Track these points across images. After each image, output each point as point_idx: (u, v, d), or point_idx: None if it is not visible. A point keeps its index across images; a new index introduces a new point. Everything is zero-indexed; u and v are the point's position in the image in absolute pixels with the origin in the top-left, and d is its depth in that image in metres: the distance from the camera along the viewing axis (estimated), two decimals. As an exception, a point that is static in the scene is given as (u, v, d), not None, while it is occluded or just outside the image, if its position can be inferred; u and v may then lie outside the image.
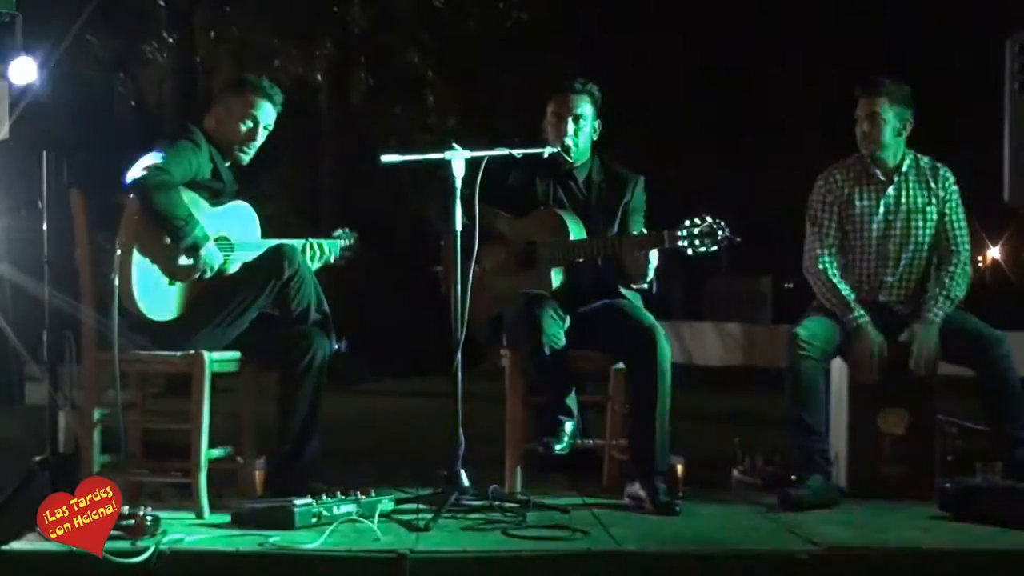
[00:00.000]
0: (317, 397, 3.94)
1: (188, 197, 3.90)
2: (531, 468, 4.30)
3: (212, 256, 3.91)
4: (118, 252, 3.79)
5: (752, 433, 4.81)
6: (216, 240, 3.95)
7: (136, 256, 3.81)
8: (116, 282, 3.77)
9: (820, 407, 4.16)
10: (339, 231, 4.35)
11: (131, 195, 3.81)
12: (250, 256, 4.04)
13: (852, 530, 3.61)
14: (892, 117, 4.29)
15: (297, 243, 4.14)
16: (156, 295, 3.86)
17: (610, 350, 4.25)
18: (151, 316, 3.84)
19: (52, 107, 4.46)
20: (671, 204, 4.42)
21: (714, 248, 3.92)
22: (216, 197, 4.04)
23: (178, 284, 3.91)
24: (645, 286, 4.16)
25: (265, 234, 4.17)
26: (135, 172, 3.81)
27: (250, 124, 4.10)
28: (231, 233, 4.04)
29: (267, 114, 4.13)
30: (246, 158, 4.14)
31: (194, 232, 3.83)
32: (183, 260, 3.88)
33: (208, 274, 3.91)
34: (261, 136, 4.14)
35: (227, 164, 4.11)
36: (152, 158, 3.84)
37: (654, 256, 4.07)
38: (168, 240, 3.84)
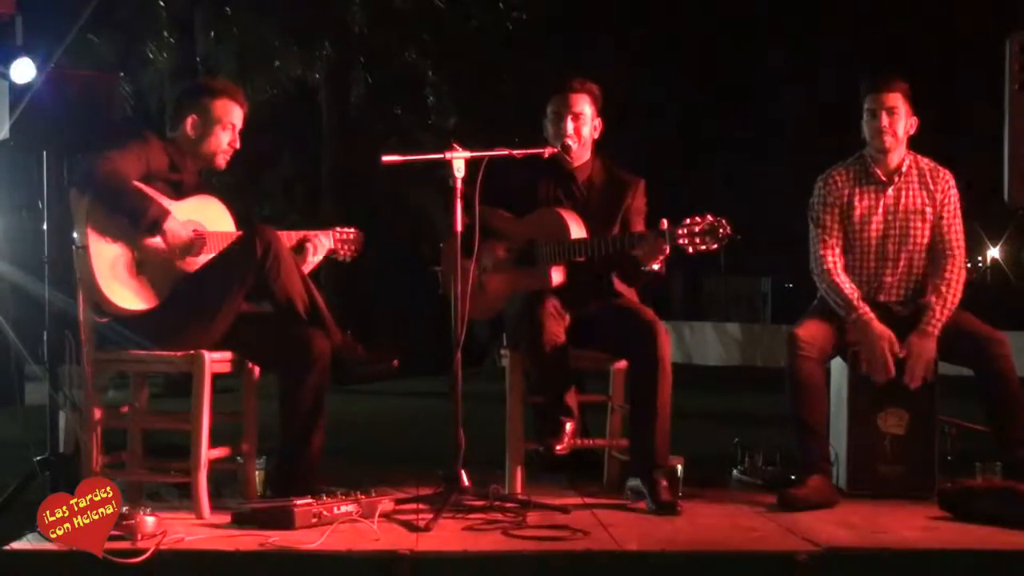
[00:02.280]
0: (319, 397, 3.93)
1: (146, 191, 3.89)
2: (531, 468, 4.30)
3: (179, 228, 3.89)
4: (74, 247, 3.82)
5: (752, 433, 4.81)
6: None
7: (94, 249, 3.80)
8: (78, 276, 3.80)
9: (820, 407, 4.16)
10: (336, 229, 4.31)
11: (79, 191, 3.83)
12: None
13: (852, 530, 3.61)
14: (904, 113, 4.31)
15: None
16: (123, 284, 3.84)
17: (611, 347, 4.26)
18: (123, 304, 3.83)
19: (52, 107, 4.46)
20: (671, 204, 4.40)
21: (715, 246, 3.92)
22: (176, 190, 4.00)
23: (148, 274, 3.89)
24: (656, 267, 4.09)
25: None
26: (82, 166, 3.82)
27: (231, 131, 4.08)
28: (202, 223, 4.00)
29: (239, 117, 4.11)
30: (223, 162, 4.12)
31: (151, 206, 3.81)
32: (149, 241, 3.86)
33: (180, 246, 3.88)
34: (238, 140, 4.12)
35: (190, 164, 4.07)
36: (97, 152, 3.83)
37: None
38: (128, 224, 3.82)
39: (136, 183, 3.86)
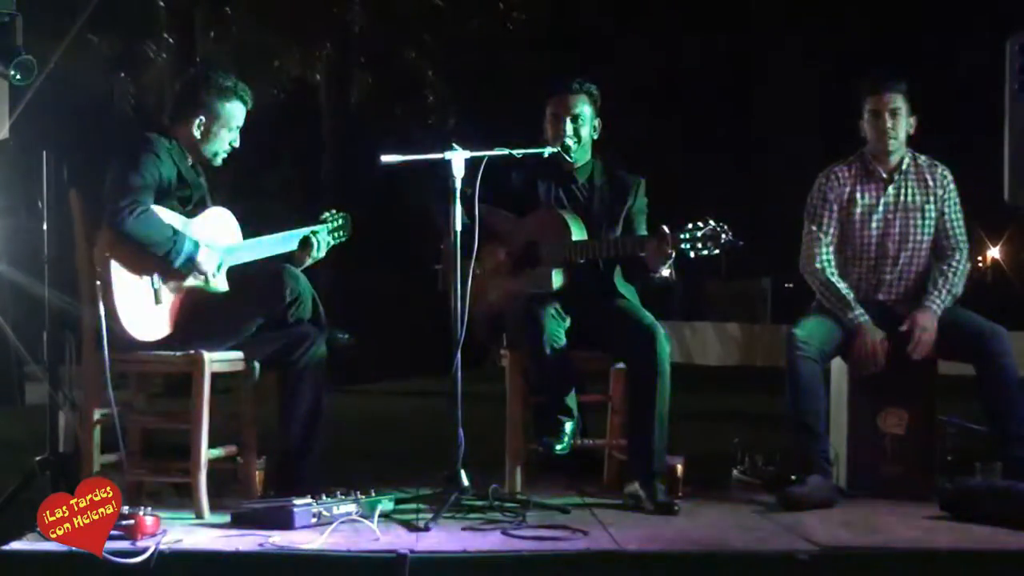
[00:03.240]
0: (319, 395, 3.94)
1: (162, 214, 3.85)
2: (531, 468, 4.30)
3: (210, 259, 3.88)
4: (97, 283, 3.76)
5: (752, 433, 4.81)
6: None
7: (117, 285, 3.76)
8: (102, 311, 3.75)
9: (819, 407, 4.16)
10: (326, 214, 4.29)
11: (110, 230, 3.77)
12: (239, 259, 4.01)
13: (852, 530, 3.61)
14: (905, 113, 4.32)
15: (296, 234, 4.13)
16: (143, 317, 3.82)
17: (610, 349, 4.26)
18: (142, 337, 3.81)
19: (52, 107, 4.46)
20: (671, 205, 4.41)
21: (716, 251, 3.92)
22: (187, 204, 3.97)
23: (166, 302, 3.86)
24: (666, 272, 4.10)
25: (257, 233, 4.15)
26: (111, 211, 3.74)
27: (236, 131, 4.06)
28: (214, 241, 3.98)
29: (244, 117, 4.09)
30: (221, 160, 4.09)
31: (184, 245, 3.80)
32: (185, 279, 3.86)
33: (214, 277, 3.88)
34: (238, 140, 4.10)
35: (191, 165, 4.04)
36: (121, 189, 3.77)
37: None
38: (161, 263, 3.80)
39: (164, 222, 3.82)
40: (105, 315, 3.75)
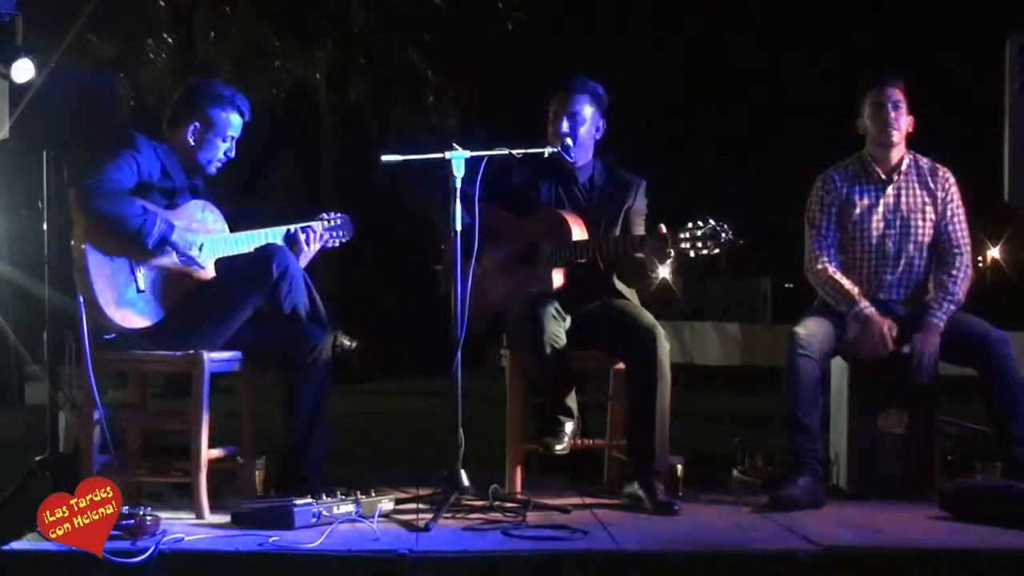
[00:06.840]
0: (322, 395, 3.93)
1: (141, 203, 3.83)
2: (531, 468, 4.30)
3: (186, 241, 3.85)
4: (74, 270, 3.76)
5: (752, 433, 4.81)
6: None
7: (95, 270, 3.75)
8: (81, 300, 3.74)
9: (815, 406, 4.15)
10: (322, 215, 4.27)
11: (79, 211, 3.77)
12: (224, 251, 4.00)
13: (852, 530, 3.61)
14: (905, 109, 4.31)
15: (280, 230, 4.11)
16: (128, 303, 3.80)
17: (610, 349, 4.26)
18: (128, 324, 3.80)
19: (52, 107, 4.46)
20: (672, 204, 4.41)
21: (716, 250, 3.92)
22: (170, 198, 3.95)
23: (152, 288, 3.85)
24: (662, 273, 4.14)
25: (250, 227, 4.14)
26: (79, 188, 3.75)
27: (230, 142, 4.06)
28: (197, 231, 3.96)
29: (240, 128, 4.09)
30: (215, 170, 4.08)
31: (156, 224, 3.76)
32: (160, 260, 3.83)
33: (197, 256, 3.86)
34: (234, 150, 4.09)
35: (181, 166, 4.02)
36: (91, 170, 3.77)
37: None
38: (133, 243, 3.77)
39: (135, 200, 3.80)
40: (85, 304, 3.74)
